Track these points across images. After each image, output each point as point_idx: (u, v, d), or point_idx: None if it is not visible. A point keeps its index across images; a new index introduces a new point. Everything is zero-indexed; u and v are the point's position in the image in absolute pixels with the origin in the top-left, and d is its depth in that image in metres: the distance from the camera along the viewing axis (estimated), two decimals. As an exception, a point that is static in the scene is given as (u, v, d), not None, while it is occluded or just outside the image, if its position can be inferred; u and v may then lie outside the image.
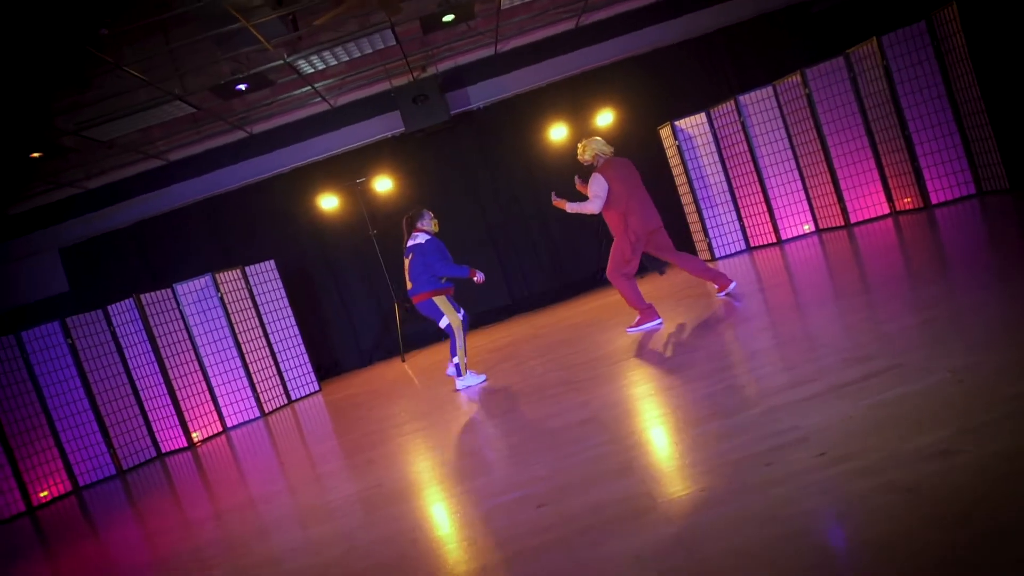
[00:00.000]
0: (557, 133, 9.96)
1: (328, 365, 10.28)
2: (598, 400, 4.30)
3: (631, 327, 6.20)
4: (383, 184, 9.97)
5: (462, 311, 6.20)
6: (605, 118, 10.08)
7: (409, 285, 6.18)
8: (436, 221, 6.38)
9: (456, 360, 6.19)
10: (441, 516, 3.25)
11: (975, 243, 5.85)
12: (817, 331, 4.27)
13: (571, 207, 6.03)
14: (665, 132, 9.18)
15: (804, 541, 1.97)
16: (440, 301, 6.10)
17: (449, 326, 6.12)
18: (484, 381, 6.17)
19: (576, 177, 6.41)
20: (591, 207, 5.93)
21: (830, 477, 2.28)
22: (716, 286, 6.45)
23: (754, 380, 3.65)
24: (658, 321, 6.07)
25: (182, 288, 8.22)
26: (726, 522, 2.22)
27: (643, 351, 5.32)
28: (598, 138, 6.16)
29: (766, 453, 2.63)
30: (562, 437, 3.76)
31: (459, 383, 6.19)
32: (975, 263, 4.92)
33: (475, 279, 6.06)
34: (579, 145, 6.18)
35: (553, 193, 6.22)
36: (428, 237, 6.14)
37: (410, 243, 6.19)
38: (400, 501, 3.62)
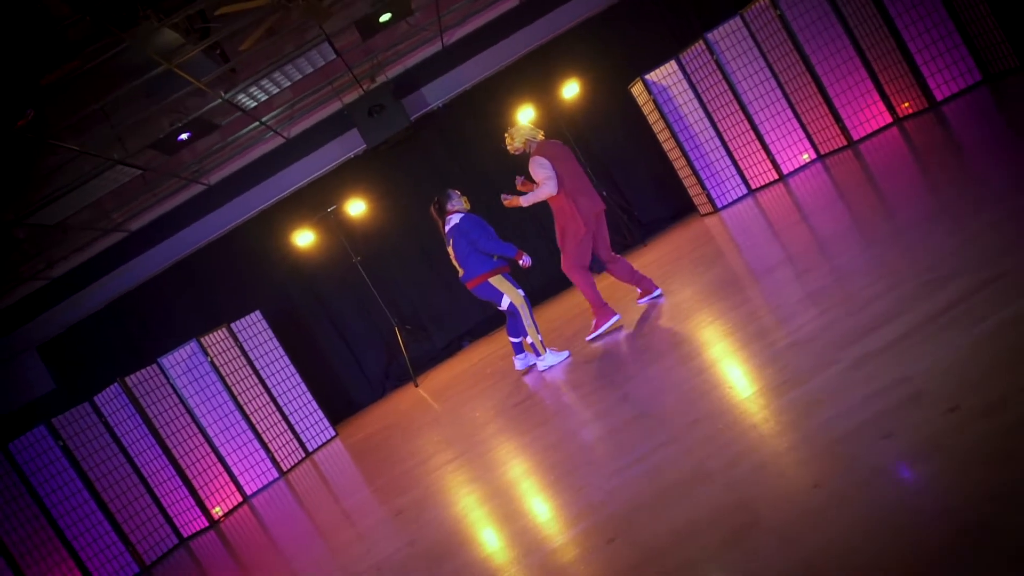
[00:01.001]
0: (524, 116, 9.41)
1: (340, 406, 9.74)
2: (639, 391, 3.76)
3: (590, 334, 5.67)
4: (356, 207, 9.43)
5: (522, 289, 5.74)
6: (571, 89, 9.54)
7: (460, 271, 5.76)
8: (466, 198, 5.92)
9: (520, 340, 5.88)
10: None
11: (998, 133, 5.31)
12: (869, 261, 3.73)
13: (526, 200, 5.53)
14: (637, 89, 8.63)
15: (1004, 542, 1.42)
16: (497, 281, 5.66)
17: (512, 305, 5.68)
18: (568, 358, 5.60)
19: (517, 178, 5.87)
20: (546, 191, 5.42)
21: (983, 439, 1.74)
22: (639, 290, 5.89)
23: (821, 329, 3.10)
24: (615, 319, 5.56)
25: (168, 361, 7.67)
26: (868, 528, 1.68)
27: (671, 323, 4.77)
28: (524, 124, 5.69)
29: (879, 420, 2.09)
30: (612, 444, 3.22)
31: (541, 364, 5.68)
32: (1008, 154, 4.37)
33: (521, 262, 5.60)
34: (506, 136, 5.68)
35: (503, 195, 5.72)
36: (462, 215, 5.71)
37: (447, 227, 5.75)
38: (448, 558, 3.08)
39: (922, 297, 2.80)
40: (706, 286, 5.30)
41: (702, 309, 4.70)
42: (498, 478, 3.75)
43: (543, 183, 5.42)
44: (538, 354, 5.71)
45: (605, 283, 8.21)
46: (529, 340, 5.73)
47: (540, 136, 5.69)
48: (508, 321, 5.94)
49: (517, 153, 5.73)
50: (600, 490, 2.79)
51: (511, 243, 5.73)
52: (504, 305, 5.74)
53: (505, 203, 5.66)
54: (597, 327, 5.59)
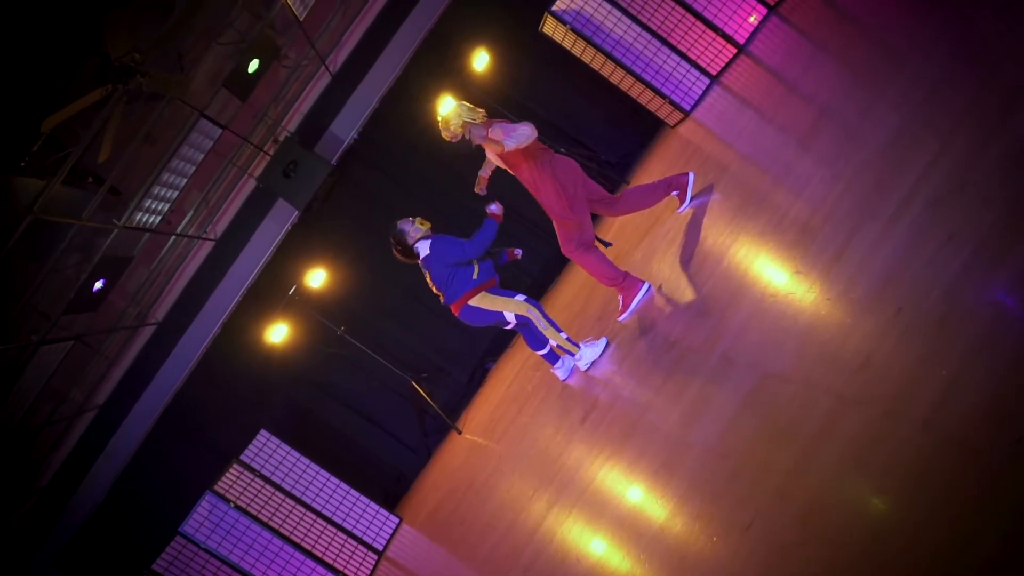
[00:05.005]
0: (445, 108, 8.44)
1: (391, 487, 8.80)
2: (740, 348, 2.82)
3: (621, 314, 4.65)
4: (317, 278, 8.46)
5: (520, 294, 4.75)
6: (481, 60, 8.60)
7: (441, 296, 4.82)
8: (420, 219, 4.93)
9: (548, 349, 4.91)
10: None
11: None
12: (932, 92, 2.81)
13: (509, 144, 4.46)
14: (549, 27, 7.68)
15: None
16: (482, 300, 4.70)
17: (517, 317, 4.72)
18: (608, 345, 4.64)
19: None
20: (526, 129, 4.48)
21: None
22: (675, 193, 4.97)
23: (965, 162, 2.17)
24: (646, 288, 4.56)
25: (189, 526, 6.71)
26: None
27: (715, 257, 3.84)
28: (454, 105, 4.65)
29: None
30: (750, 435, 2.29)
31: (581, 363, 4.72)
32: None
33: (517, 255, 4.91)
34: (440, 121, 4.66)
35: (480, 176, 4.83)
36: (429, 241, 4.75)
37: (421, 259, 4.81)
38: None
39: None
40: (728, 198, 4.38)
41: (744, 224, 3.77)
42: (622, 517, 2.81)
43: (516, 128, 4.49)
44: (571, 354, 4.80)
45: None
46: (555, 343, 4.81)
47: (480, 117, 4.72)
48: (524, 336, 5.01)
49: (456, 140, 4.76)
50: (785, 518, 1.85)
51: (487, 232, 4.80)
52: (510, 320, 4.80)
53: (481, 181, 4.75)
54: (627, 305, 4.60)
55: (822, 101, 4.25)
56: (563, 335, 4.72)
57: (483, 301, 4.66)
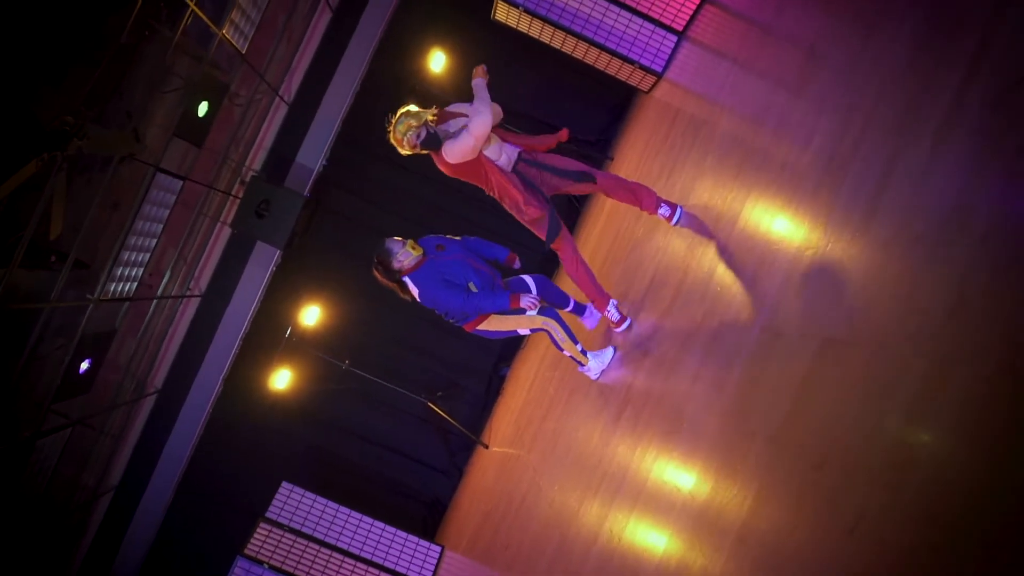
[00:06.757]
0: (397, 125, 8.13)
1: (426, 514, 8.49)
2: (784, 317, 2.50)
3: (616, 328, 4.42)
4: (311, 315, 8.15)
5: (532, 306, 4.24)
6: (438, 61, 8.28)
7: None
8: (411, 242, 4.35)
9: (569, 352, 4.50)
10: None
11: None
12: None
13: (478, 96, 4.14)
14: (503, 12, 7.36)
15: None
16: (490, 323, 4.32)
17: (532, 331, 4.42)
18: (615, 354, 4.37)
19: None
20: (483, 106, 4.09)
21: None
22: (665, 213, 4.45)
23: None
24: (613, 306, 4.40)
25: (226, 597, 6.40)
26: None
27: (747, 217, 3.52)
28: (407, 111, 4.16)
29: None
30: (820, 409, 1.97)
31: (591, 374, 4.48)
32: None
33: (523, 303, 4.18)
34: (392, 142, 4.18)
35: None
36: (418, 284, 4.26)
37: (413, 293, 4.34)
38: None
39: None
40: (726, 158, 4.05)
41: (755, 178, 3.45)
42: (688, 526, 2.49)
43: (475, 110, 4.09)
44: (581, 364, 4.51)
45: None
46: (568, 353, 4.49)
47: (432, 115, 4.32)
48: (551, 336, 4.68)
49: (419, 147, 4.35)
50: (900, 515, 1.53)
51: (497, 290, 4.30)
52: (525, 333, 4.49)
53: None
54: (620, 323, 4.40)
55: (808, 36, 3.91)
56: (578, 347, 4.43)
57: (492, 323, 4.29)
